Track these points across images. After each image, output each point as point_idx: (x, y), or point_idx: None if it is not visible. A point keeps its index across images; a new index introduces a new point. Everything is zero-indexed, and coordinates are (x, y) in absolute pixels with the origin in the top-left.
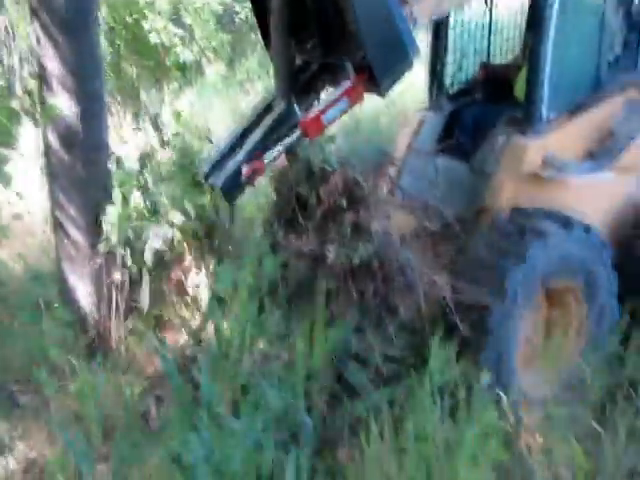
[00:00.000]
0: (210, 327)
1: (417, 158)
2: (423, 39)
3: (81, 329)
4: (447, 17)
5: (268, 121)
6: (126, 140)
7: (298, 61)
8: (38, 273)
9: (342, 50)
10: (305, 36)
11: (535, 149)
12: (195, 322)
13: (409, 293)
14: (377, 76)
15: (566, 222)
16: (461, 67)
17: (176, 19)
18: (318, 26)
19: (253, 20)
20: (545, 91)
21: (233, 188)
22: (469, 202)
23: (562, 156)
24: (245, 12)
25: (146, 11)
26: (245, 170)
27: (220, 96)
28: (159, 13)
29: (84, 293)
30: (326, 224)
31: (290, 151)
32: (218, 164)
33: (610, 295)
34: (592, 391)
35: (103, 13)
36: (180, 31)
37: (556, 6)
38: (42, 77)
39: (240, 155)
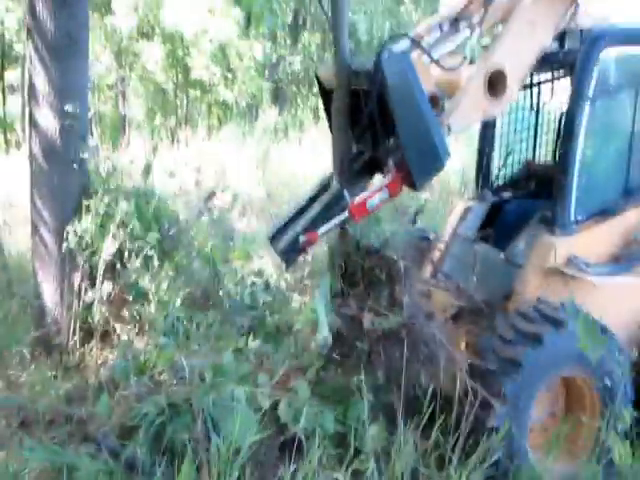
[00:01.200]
0: None
1: (460, 243)
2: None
3: (39, 324)
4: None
5: (324, 199)
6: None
7: (354, 149)
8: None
9: (388, 147)
10: (360, 130)
11: (561, 248)
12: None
13: (430, 364)
14: (413, 175)
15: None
16: (506, 163)
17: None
18: (370, 124)
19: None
20: (574, 194)
21: (290, 254)
22: (500, 288)
23: (587, 257)
24: (292, 66)
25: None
26: (302, 240)
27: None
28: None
29: (50, 292)
30: (367, 294)
31: (342, 227)
32: (281, 230)
33: (624, 398)
34: None
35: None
36: (219, 70)
37: (587, 113)
38: (30, 91)
39: (299, 226)
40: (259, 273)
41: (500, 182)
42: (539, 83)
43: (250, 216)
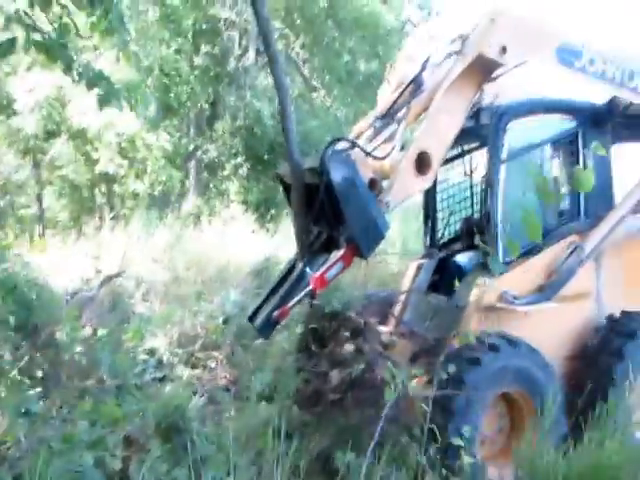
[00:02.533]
0: None
1: (415, 296)
2: None
3: None
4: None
5: (292, 277)
6: None
7: (314, 231)
8: None
9: (339, 227)
10: (316, 215)
11: (493, 287)
12: None
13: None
14: (361, 247)
15: (514, 341)
16: (448, 222)
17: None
18: (323, 210)
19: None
20: (500, 241)
21: (266, 328)
22: (451, 328)
23: (517, 291)
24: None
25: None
26: (275, 315)
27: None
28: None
29: None
30: (334, 351)
31: (311, 298)
32: (259, 309)
33: (556, 407)
34: None
35: None
36: (127, 162)
37: (502, 173)
38: None
39: (271, 304)
40: (151, 351)
41: (445, 239)
42: (468, 151)
43: (154, 299)
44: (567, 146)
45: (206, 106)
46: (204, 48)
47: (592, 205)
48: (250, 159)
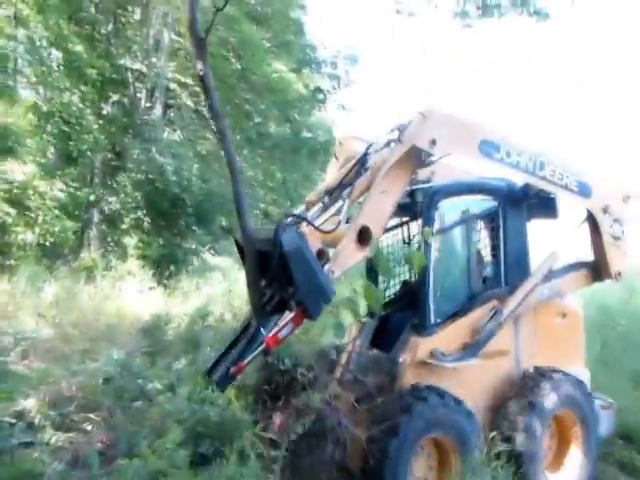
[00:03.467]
0: None
1: (360, 351)
2: None
3: None
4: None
5: (247, 335)
6: None
7: (267, 293)
8: None
9: (289, 291)
10: (269, 279)
11: (424, 345)
12: None
13: (339, 442)
14: (309, 310)
15: (441, 394)
16: (388, 285)
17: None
18: (275, 276)
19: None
20: (431, 304)
21: (224, 381)
22: (390, 380)
23: (446, 349)
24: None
25: None
26: (232, 370)
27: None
28: None
29: None
30: (287, 402)
31: (265, 355)
32: (217, 363)
33: (477, 446)
34: None
35: None
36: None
37: (433, 245)
38: None
39: (228, 360)
40: (20, 414)
41: (385, 300)
42: (405, 223)
43: (33, 357)
44: (489, 222)
45: (110, 156)
46: (113, 97)
47: (511, 274)
48: (151, 213)
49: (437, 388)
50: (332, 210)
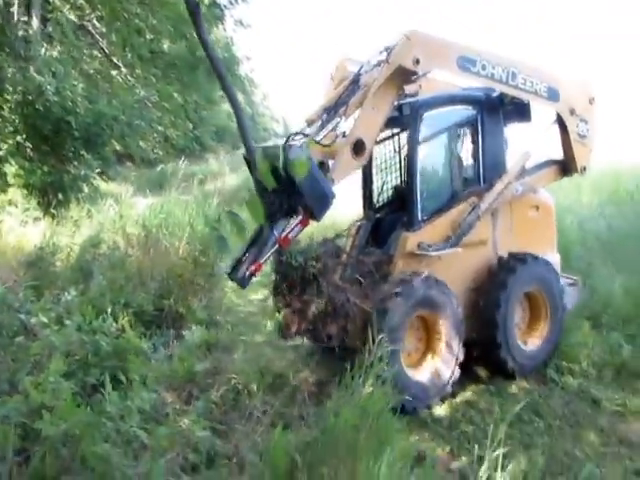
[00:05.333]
0: None
1: (357, 249)
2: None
3: None
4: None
5: (262, 239)
6: None
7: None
8: None
9: (297, 199)
10: (279, 188)
11: (413, 238)
12: None
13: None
14: (314, 213)
15: (426, 277)
16: (382, 190)
17: None
18: (284, 185)
19: None
20: (418, 203)
21: (245, 279)
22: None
23: (431, 241)
24: None
25: None
26: (252, 268)
27: None
28: None
29: None
30: (303, 291)
31: (279, 254)
32: (236, 265)
33: (456, 324)
34: None
35: None
36: None
37: (418, 152)
38: None
39: (248, 260)
40: None
41: (379, 204)
42: (395, 135)
43: None
44: (469, 129)
45: None
46: None
47: (489, 174)
48: (33, 138)
49: (421, 273)
50: (330, 126)
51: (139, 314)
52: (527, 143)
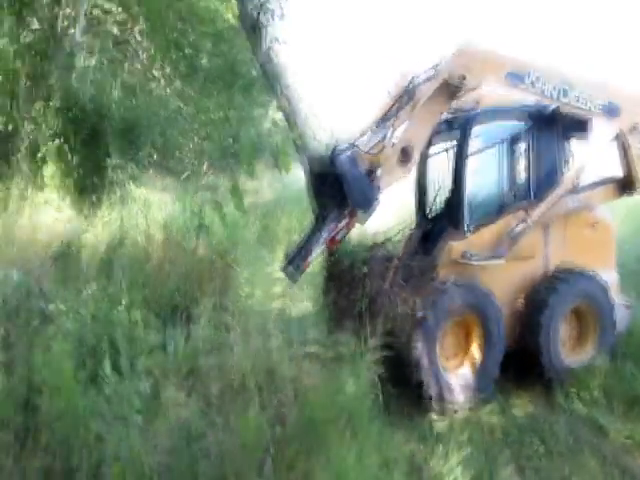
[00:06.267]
0: None
1: (408, 256)
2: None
3: None
4: (425, 168)
5: (312, 239)
6: None
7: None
8: None
9: (342, 203)
10: (329, 193)
11: (457, 247)
12: None
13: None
14: (358, 217)
15: (462, 285)
16: (435, 201)
17: None
18: (332, 190)
19: None
20: (465, 214)
21: (295, 275)
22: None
23: (476, 250)
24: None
25: None
26: (302, 266)
27: None
28: None
29: None
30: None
31: (330, 254)
32: (290, 261)
33: (498, 330)
34: None
35: None
36: None
37: (467, 164)
38: None
39: (299, 257)
40: None
41: (432, 214)
42: (452, 147)
43: None
44: (521, 142)
45: (27, 84)
46: (31, 24)
47: (540, 188)
48: (70, 142)
49: (464, 281)
50: (379, 136)
51: (155, 310)
52: (584, 158)
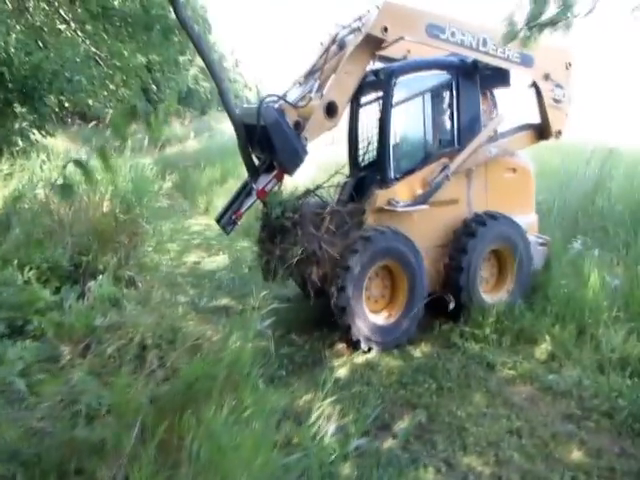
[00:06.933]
0: None
1: (341, 204)
2: None
3: None
4: (356, 118)
5: (245, 191)
6: None
7: (255, 158)
8: None
9: (271, 154)
10: (257, 146)
11: (384, 195)
12: None
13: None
14: (287, 168)
15: (393, 230)
16: (367, 150)
17: None
18: (260, 142)
19: None
20: (390, 163)
21: (229, 226)
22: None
23: (401, 198)
24: None
25: None
26: (233, 217)
27: None
28: None
29: None
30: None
31: (264, 205)
32: (222, 213)
33: (420, 274)
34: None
35: None
36: None
37: (391, 114)
38: None
39: (232, 209)
40: None
41: (364, 163)
42: (377, 99)
43: None
44: (444, 93)
45: None
46: None
47: (463, 136)
48: None
49: (387, 226)
50: (306, 89)
51: (55, 269)
52: (504, 107)
